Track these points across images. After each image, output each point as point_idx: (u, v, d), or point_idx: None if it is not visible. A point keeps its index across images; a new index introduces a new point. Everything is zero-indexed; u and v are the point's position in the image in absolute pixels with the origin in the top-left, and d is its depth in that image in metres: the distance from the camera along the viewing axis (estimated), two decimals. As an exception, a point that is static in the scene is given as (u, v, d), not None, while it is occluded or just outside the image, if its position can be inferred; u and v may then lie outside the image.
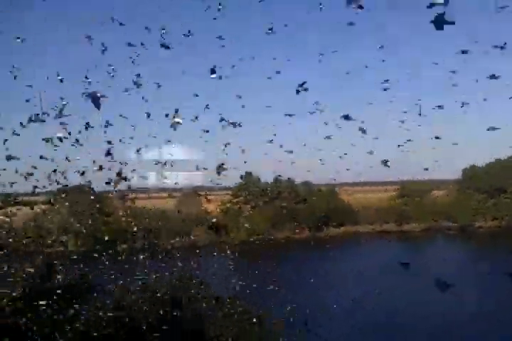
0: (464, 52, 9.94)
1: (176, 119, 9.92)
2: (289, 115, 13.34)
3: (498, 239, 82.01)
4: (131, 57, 11.06)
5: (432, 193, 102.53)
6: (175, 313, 17.33)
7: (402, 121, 11.32)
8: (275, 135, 13.37)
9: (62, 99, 10.21)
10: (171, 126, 10.02)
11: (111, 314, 16.18)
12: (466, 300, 40.06)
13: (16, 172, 11.34)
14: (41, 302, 13.92)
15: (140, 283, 18.63)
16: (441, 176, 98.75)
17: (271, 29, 9.57)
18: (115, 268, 19.51)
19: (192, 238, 76.57)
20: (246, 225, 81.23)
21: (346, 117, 11.40)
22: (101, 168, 11.12)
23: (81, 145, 11.26)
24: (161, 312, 17.06)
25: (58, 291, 15.22)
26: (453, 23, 5.57)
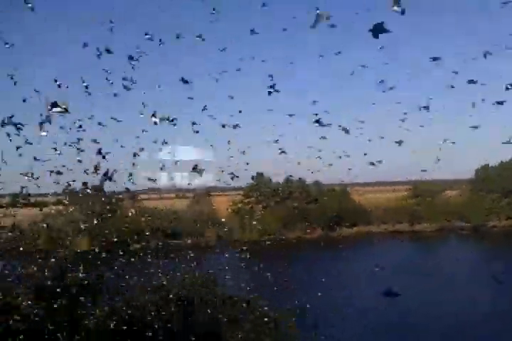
0: (435, 59, 10.01)
1: (154, 119, 10.20)
2: (290, 115, 13.36)
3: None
4: (132, 58, 11.06)
5: (444, 193, 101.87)
6: (188, 314, 17.45)
7: (403, 120, 11.24)
8: (280, 135, 13.34)
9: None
10: (155, 123, 10.32)
11: (123, 314, 16.32)
12: (480, 300, 39.78)
13: (29, 173, 11.42)
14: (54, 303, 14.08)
15: (154, 283, 18.76)
16: (453, 176, 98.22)
17: (252, 30, 9.66)
18: (128, 269, 19.62)
19: (203, 238, 76.76)
20: (257, 225, 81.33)
21: (318, 121, 11.43)
22: (96, 168, 11.18)
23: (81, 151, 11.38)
24: (174, 313, 17.17)
25: (72, 291, 15.40)
26: (389, 31, 6.00)
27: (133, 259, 20.79)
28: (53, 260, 17.20)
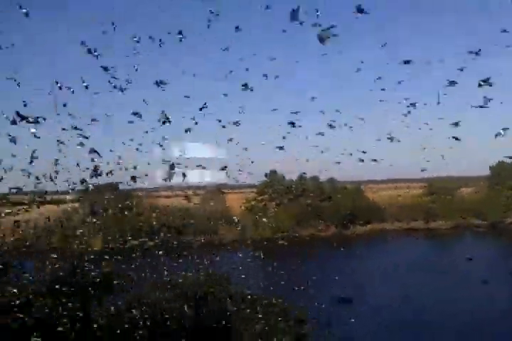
0: (406, 62, 9.96)
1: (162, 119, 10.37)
2: (295, 113, 13.25)
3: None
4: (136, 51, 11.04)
5: (460, 190, 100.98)
6: (203, 311, 17.45)
7: (405, 115, 11.05)
8: (289, 133, 13.16)
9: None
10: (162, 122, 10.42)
11: (136, 311, 16.37)
12: (497, 297, 39.35)
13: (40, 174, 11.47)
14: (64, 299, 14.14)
15: (167, 280, 18.80)
16: (468, 173, 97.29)
17: (237, 27, 9.61)
18: (141, 266, 19.70)
19: (217, 236, 76.85)
20: (270, 223, 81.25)
21: (292, 124, 11.45)
22: (96, 169, 11.21)
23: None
24: (190, 310, 17.19)
25: (83, 288, 15.47)
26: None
27: (146, 257, 20.90)
28: (67, 258, 17.33)
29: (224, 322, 17.60)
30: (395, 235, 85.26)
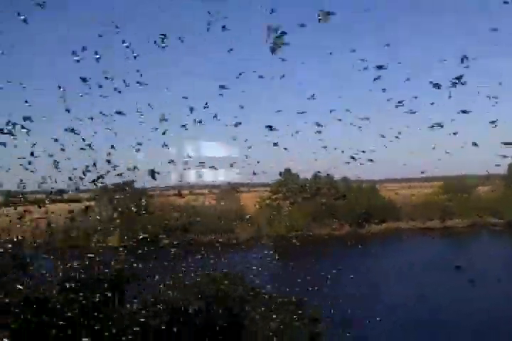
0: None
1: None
2: (301, 113, 13.30)
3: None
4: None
5: (476, 189, 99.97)
6: (218, 309, 17.61)
7: (413, 112, 11.07)
8: (297, 132, 13.21)
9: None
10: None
11: (154, 309, 16.57)
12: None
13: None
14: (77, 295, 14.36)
15: (184, 278, 18.95)
16: (484, 172, 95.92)
17: (224, 26, 9.67)
18: (157, 264, 19.88)
19: (233, 234, 77.04)
20: (285, 221, 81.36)
21: (269, 127, 11.54)
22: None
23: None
24: (204, 308, 17.36)
25: (103, 286, 15.69)
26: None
27: (161, 255, 21.09)
28: (83, 255, 17.58)
29: (238, 320, 17.77)
30: (411, 234, 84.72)
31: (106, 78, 10.79)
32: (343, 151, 12.63)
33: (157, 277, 18.52)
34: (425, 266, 51.54)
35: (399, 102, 10.72)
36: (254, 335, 17.72)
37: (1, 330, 12.16)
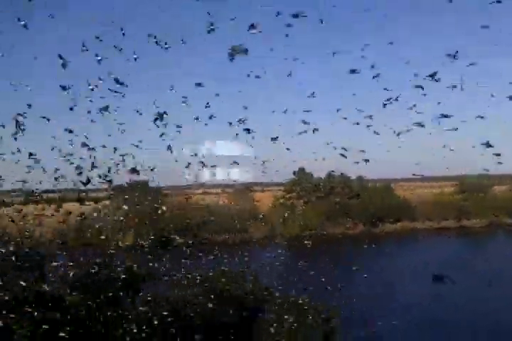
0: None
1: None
2: (307, 111, 13.33)
3: None
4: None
5: (493, 188, 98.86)
6: (231, 308, 17.66)
7: (412, 107, 11.06)
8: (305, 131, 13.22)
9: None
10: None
11: (167, 307, 16.67)
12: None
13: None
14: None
15: (198, 277, 19.03)
16: (500, 171, 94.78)
17: (213, 28, 9.69)
18: (171, 263, 19.96)
19: (247, 233, 77.07)
20: (299, 220, 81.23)
21: (247, 130, 11.64)
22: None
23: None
24: (217, 307, 17.41)
25: (116, 284, 15.82)
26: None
27: (176, 254, 21.18)
28: (98, 253, 17.73)
29: (253, 320, 17.82)
30: (426, 233, 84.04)
31: (117, 82, 10.91)
32: (345, 149, 12.61)
33: (171, 276, 18.63)
34: (440, 265, 51.02)
35: (387, 100, 10.71)
36: (268, 333, 17.74)
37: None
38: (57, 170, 12.06)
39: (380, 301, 38.07)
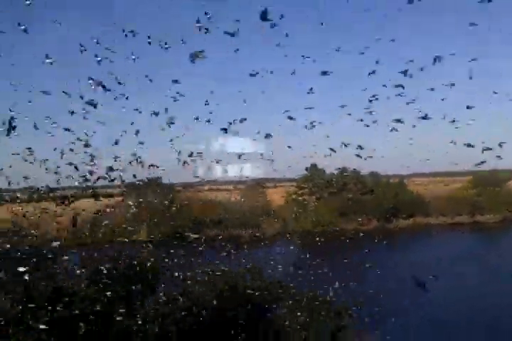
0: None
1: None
2: (309, 108, 13.40)
3: None
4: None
5: (507, 183, 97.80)
6: (244, 303, 17.77)
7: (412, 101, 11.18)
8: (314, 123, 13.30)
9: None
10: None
11: (180, 303, 16.82)
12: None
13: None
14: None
15: (211, 273, 19.16)
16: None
17: (206, 28, 9.73)
18: (184, 259, 20.11)
19: (260, 229, 77.26)
20: (311, 217, 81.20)
21: (224, 129, 11.75)
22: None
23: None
24: (229, 301, 17.53)
25: (130, 280, 16.02)
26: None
27: (189, 250, 21.35)
28: (113, 250, 17.96)
29: (266, 315, 17.92)
30: (440, 229, 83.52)
31: (119, 83, 11.07)
32: (361, 147, 12.67)
33: (185, 272, 18.77)
34: (455, 261, 50.77)
35: (372, 96, 10.81)
36: (283, 327, 17.85)
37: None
38: (74, 166, 12.25)
39: (393, 297, 38.00)
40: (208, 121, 12.47)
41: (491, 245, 68.22)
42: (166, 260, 18.63)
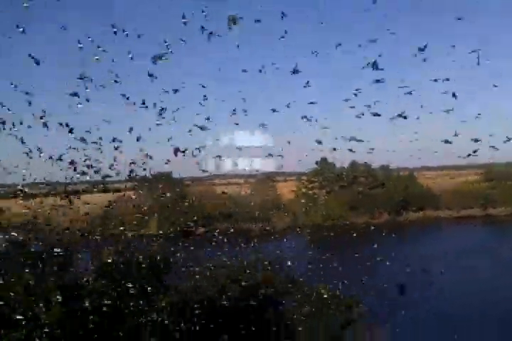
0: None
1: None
2: (312, 103, 13.37)
3: None
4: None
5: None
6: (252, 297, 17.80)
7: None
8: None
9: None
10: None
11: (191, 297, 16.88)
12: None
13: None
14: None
15: (218, 268, 19.17)
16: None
17: (203, 27, 9.70)
18: (194, 252, 20.16)
19: (270, 223, 77.31)
20: (321, 210, 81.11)
21: (201, 128, 11.73)
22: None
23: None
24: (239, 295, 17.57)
25: (141, 273, 16.08)
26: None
27: (199, 244, 21.39)
28: (122, 243, 18.01)
29: (277, 308, 17.95)
30: (450, 222, 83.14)
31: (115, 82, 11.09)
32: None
33: (194, 267, 18.80)
34: (465, 254, 50.50)
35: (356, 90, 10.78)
36: (291, 319, 17.84)
37: None
38: (87, 161, 12.33)
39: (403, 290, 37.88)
40: (208, 118, 12.41)
41: (503, 238, 67.64)
42: (176, 254, 18.65)
